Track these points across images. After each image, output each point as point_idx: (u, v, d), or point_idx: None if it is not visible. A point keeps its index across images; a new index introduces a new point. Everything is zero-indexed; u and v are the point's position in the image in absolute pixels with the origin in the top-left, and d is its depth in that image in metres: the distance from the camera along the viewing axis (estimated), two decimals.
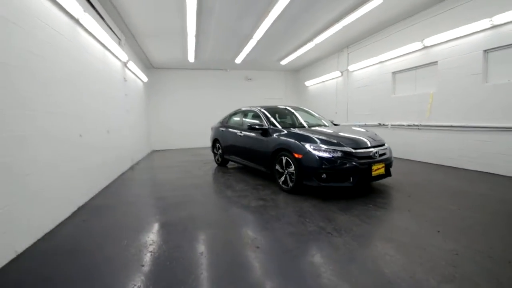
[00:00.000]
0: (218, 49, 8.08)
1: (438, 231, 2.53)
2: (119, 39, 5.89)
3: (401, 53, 6.39)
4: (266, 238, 2.55)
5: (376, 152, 3.75)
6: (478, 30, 4.75)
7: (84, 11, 3.65)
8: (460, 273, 1.87)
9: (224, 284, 1.83)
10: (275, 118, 4.88)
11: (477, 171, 4.91)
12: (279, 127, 4.54)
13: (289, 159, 3.91)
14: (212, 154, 6.94)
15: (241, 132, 5.39)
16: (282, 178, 4.08)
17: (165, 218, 3.17)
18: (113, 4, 4.84)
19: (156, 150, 10.36)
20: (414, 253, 2.16)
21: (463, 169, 5.15)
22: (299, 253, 2.25)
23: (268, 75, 11.85)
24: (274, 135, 4.35)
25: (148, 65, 9.82)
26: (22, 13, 2.51)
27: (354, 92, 8.36)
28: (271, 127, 4.60)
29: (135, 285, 1.84)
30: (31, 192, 2.53)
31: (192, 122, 10.88)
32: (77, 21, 3.68)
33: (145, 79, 8.79)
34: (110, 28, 5.27)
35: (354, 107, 8.41)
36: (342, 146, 3.63)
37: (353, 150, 3.60)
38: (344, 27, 6.17)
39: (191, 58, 8.72)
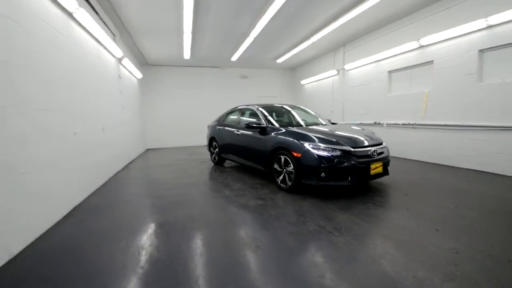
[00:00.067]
0: (214, 46, 7.99)
1: (437, 230, 2.55)
2: (114, 35, 5.76)
3: (397, 52, 6.42)
4: (266, 237, 2.53)
5: (374, 151, 3.77)
6: (474, 30, 4.81)
7: (79, 5, 3.54)
8: (461, 271, 1.88)
9: (225, 285, 1.80)
10: (272, 117, 4.85)
11: (474, 170, 4.96)
12: (277, 125, 4.51)
13: (287, 158, 3.89)
14: (209, 152, 6.88)
15: (238, 131, 5.35)
16: (281, 177, 4.06)
17: (164, 217, 3.12)
18: None
19: (151, 149, 10.23)
20: (415, 251, 2.17)
21: (459, 168, 5.21)
22: (301, 252, 2.24)
23: (264, 73, 11.80)
24: (272, 133, 4.33)
25: (142, 62, 9.66)
26: (15, 7, 2.42)
27: (350, 90, 8.39)
28: (269, 125, 4.57)
29: (136, 286, 1.80)
30: (29, 191, 2.50)
31: (187, 120, 10.76)
32: (70, 14, 3.58)
33: (139, 75, 8.65)
34: (105, 24, 5.15)
35: (350, 106, 8.44)
36: (341, 145, 3.63)
37: (352, 149, 3.61)
38: (341, 25, 6.17)
39: (186, 55, 8.61)
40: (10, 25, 2.33)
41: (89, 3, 4.30)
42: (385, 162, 3.91)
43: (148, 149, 10.12)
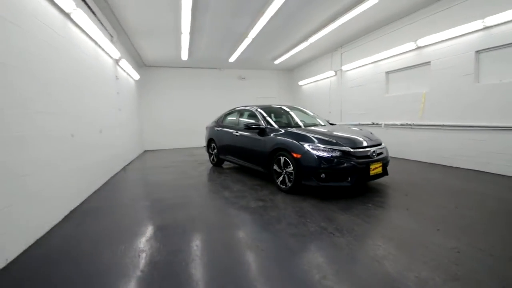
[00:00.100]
0: (212, 47, 7.98)
1: (438, 229, 2.56)
2: (111, 36, 5.72)
3: (395, 53, 6.47)
4: (268, 239, 2.52)
5: (374, 152, 3.78)
6: (470, 31, 4.85)
7: (76, 5, 3.51)
8: (463, 271, 1.88)
9: (225, 284, 1.79)
10: (271, 118, 4.85)
11: (474, 170, 4.98)
12: (276, 126, 4.51)
13: (287, 159, 3.89)
14: (207, 154, 6.85)
15: (237, 132, 5.34)
16: (280, 178, 4.05)
17: (163, 219, 3.09)
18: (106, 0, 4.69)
19: (149, 150, 10.17)
20: (417, 251, 2.17)
21: (459, 168, 5.23)
22: (303, 254, 2.23)
23: (262, 75, 11.81)
24: (272, 134, 4.32)
25: (140, 63, 9.62)
26: (12, 7, 2.39)
27: (347, 91, 8.42)
28: (268, 126, 4.56)
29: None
30: (29, 193, 2.48)
31: (185, 121, 10.72)
32: (68, 15, 3.54)
33: (136, 77, 8.60)
34: (102, 25, 5.11)
35: (347, 107, 8.47)
36: (341, 145, 3.63)
37: (352, 150, 3.61)
38: (339, 26, 6.20)
39: (184, 56, 8.58)
40: (7, 26, 2.30)
41: (87, 4, 4.27)
42: (385, 162, 3.93)
43: (145, 151, 10.06)
